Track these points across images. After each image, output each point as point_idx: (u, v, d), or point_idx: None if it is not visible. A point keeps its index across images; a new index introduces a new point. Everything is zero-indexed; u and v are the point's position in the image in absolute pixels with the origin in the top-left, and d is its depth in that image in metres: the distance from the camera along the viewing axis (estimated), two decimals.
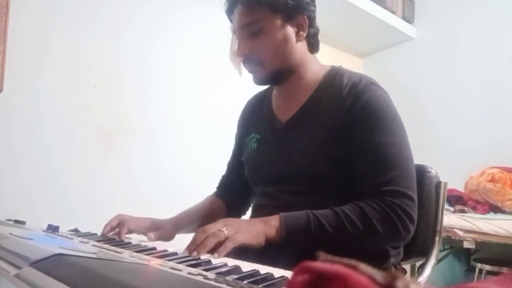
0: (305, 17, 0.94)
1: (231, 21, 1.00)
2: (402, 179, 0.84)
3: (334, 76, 0.97)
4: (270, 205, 0.94)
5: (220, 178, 1.22)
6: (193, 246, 0.73)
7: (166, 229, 1.01)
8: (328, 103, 0.93)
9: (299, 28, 0.95)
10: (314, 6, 0.97)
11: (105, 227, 0.94)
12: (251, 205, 1.10)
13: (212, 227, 0.77)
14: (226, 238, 0.75)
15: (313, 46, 1.00)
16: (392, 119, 0.89)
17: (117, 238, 0.91)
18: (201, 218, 1.10)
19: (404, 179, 0.84)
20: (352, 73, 0.96)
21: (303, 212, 0.84)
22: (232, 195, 1.16)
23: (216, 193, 1.20)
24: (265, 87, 1.10)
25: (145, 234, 0.97)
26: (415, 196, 0.85)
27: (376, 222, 0.80)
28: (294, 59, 0.95)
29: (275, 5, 0.91)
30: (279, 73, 0.96)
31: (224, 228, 0.76)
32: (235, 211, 1.15)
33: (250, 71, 0.98)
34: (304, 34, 0.95)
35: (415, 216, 0.84)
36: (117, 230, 0.94)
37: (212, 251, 0.73)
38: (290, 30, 0.94)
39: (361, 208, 0.82)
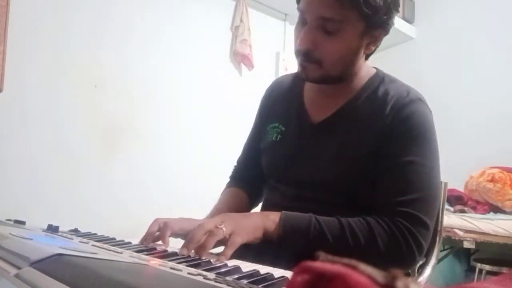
0: (384, 32, 0.86)
1: None
2: (422, 204, 0.79)
3: (379, 84, 0.90)
4: (283, 206, 0.88)
5: (235, 164, 1.14)
6: (192, 245, 0.71)
7: None
8: (368, 113, 0.87)
9: (372, 40, 0.86)
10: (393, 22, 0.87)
11: (145, 236, 0.80)
12: (263, 196, 1.04)
13: (209, 224, 0.74)
14: (225, 236, 0.73)
15: (370, 55, 0.92)
16: (429, 141, 0.84)
17: (163, 246, 0.78)
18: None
19: (424, 205, 0.79)
20: (400, 85, 0.91)
21: (307, 215, 0.81)
22: (250, 183, 1.07)
23: (234, 183, 1.10)
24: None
25: None
26: (431, 224, 0.80)
27: (381, 241, 0.76)
28: (353, 68, 0.89)
29: (367, 12, 0.79)
30: (332, 78, 0.87)
31: (222, 225, 0.73)
32: (255, 200, 1.08)
33: (302, 66, 0.86)
34: (374, 48, 0.88)
35: (426, 245, 0.79)
36: (158, 234, 0.81)
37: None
38: (365, 41, 0.85)
39: (369, 224, 0.78)
